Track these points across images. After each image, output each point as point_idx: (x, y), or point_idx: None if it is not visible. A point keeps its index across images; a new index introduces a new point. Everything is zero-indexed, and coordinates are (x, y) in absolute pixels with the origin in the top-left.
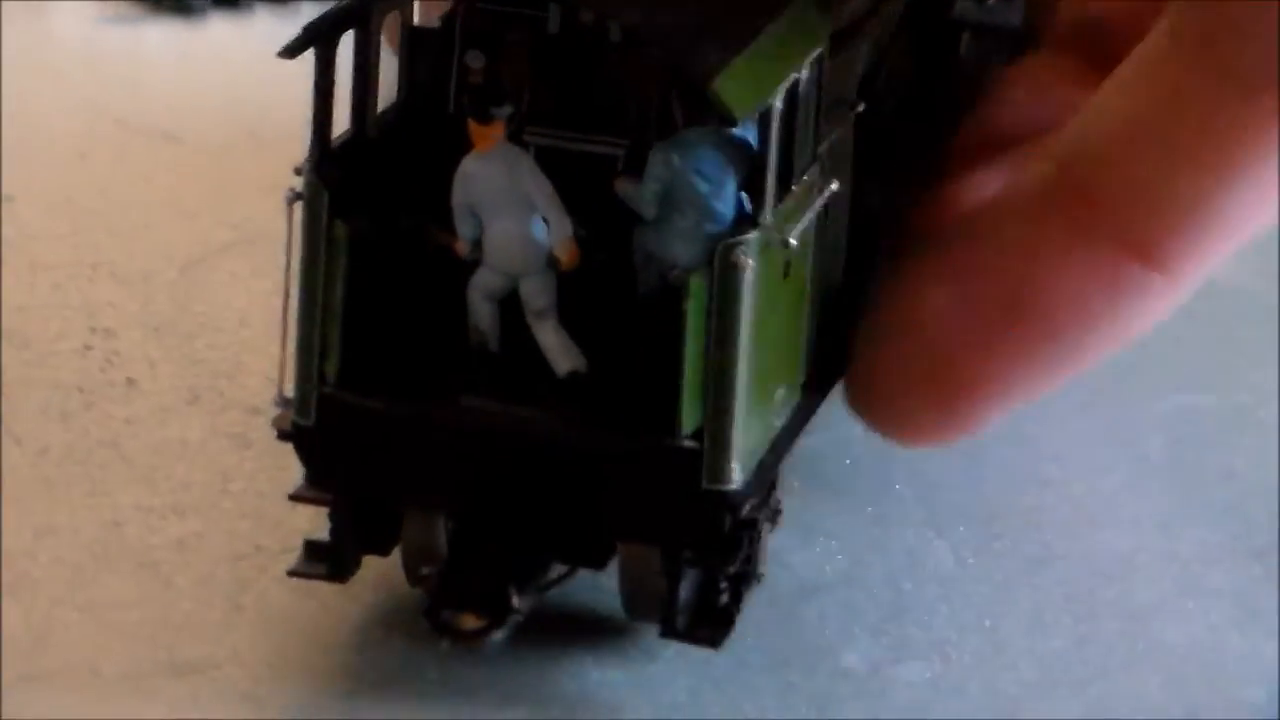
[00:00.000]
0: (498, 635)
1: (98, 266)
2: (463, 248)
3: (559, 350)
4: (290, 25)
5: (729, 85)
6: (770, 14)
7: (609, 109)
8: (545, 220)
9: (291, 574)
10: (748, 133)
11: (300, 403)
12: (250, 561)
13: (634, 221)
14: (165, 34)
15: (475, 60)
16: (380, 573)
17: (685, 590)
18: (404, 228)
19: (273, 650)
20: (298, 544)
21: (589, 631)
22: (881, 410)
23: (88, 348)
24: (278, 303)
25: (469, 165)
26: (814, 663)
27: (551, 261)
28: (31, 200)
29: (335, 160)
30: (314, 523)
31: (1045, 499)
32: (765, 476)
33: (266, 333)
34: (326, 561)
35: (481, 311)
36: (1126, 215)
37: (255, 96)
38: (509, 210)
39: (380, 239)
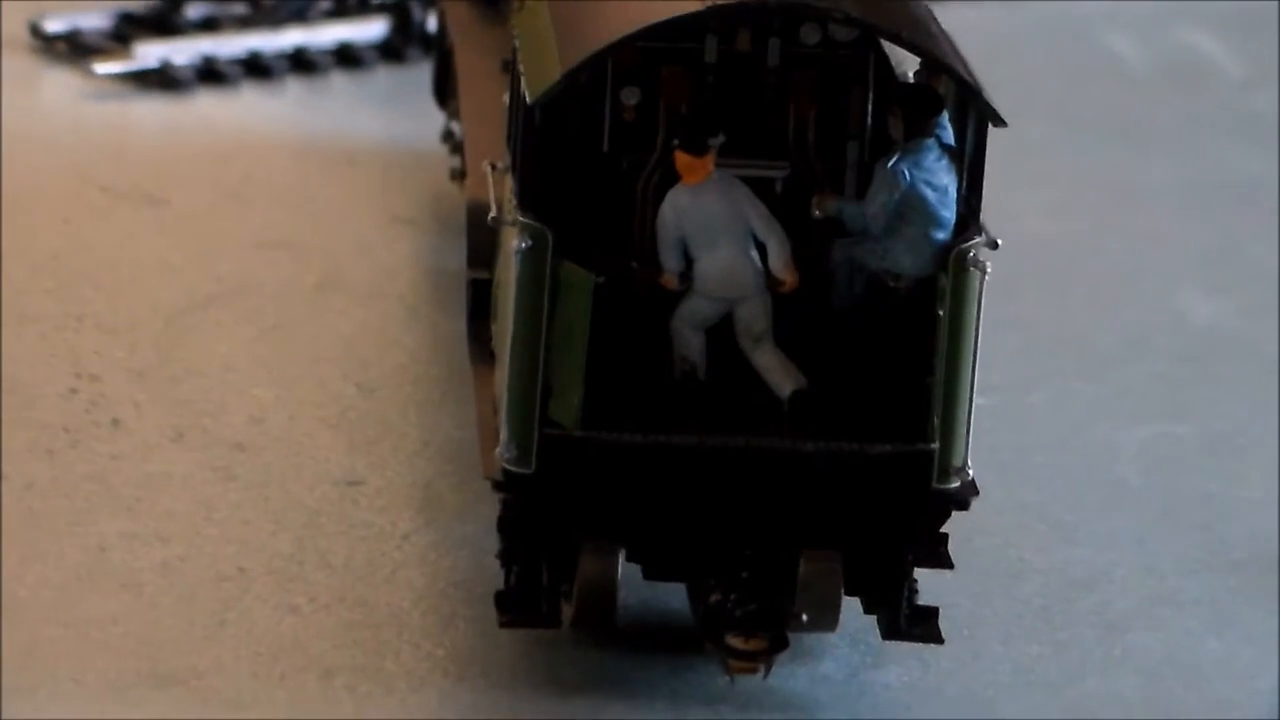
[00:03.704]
0: (774, 659)
1: (83, 318)
2: (672, 280)
3: (781, 371)
4: (276, 100)
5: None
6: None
7: (766, 133)
8: (762, 244)
9: (504, 626)
10: (948, 138)
11: (519, 450)
12: (234, 582)
13: (809, 237)
14: (152, 108)
15: (630, 96)
16: (356, 590)
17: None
18: (628, 268)
19: (255, 660)
20: (281, 566)
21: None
22: None
23: (73, 391)
24: (262, 349)
25: (681, 198)
26: (793, 668)
27: (770, 284)
28: (17, 259)
29: (540, 203)
30: (296, 546)
31: (1023, 519)
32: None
33: (251, 375)
34: (536, 611)
35: (692, 342)
36: None
37: (239, 163)
38: (728, 237)
39: (614, 282)
